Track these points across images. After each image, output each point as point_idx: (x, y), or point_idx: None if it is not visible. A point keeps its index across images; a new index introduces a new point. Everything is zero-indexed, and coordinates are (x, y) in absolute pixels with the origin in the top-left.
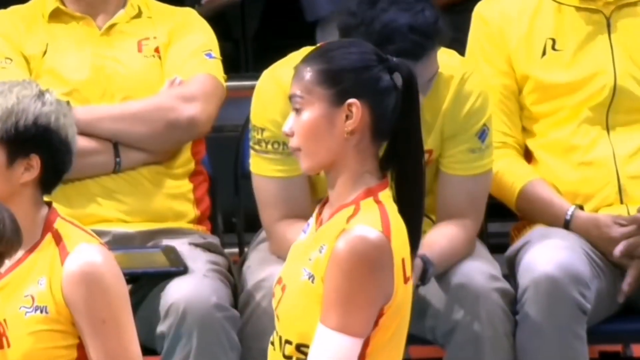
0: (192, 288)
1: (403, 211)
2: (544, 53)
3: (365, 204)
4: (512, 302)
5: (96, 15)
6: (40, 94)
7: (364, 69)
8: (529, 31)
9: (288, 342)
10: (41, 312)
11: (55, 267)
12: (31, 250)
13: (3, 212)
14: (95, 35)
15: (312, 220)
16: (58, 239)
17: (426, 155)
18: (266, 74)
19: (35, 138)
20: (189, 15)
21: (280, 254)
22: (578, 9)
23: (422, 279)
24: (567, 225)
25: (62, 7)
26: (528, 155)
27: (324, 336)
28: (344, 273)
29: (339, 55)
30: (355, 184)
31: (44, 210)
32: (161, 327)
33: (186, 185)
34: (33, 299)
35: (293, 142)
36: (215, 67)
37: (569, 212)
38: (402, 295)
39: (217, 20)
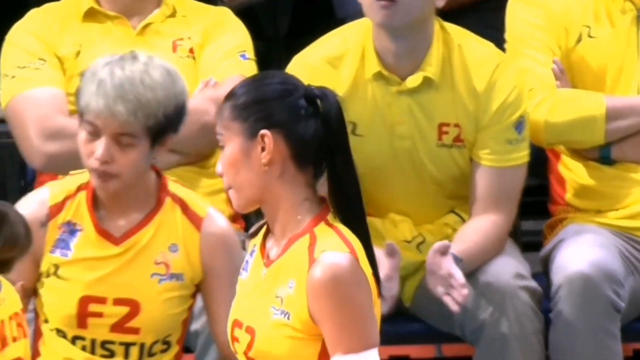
0: None
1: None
2: (579, 39)
3: (319, 230)
4: (541, 300)
5: (132, 15)
6: None
7: (275, 99)
8: (567, 17)
9: None
10: (177, 279)
11: (190, 234)
12: (151, 216)
13: (17, 218)
14: (130, 35)
15: (253, 253)
16: (182, 204)
17: (456, 130)
18: (295, 59)
19: None
20: (224, 15)
21: None
22: None
23: None
24: None
25: (96, 6)
26: (556, 153)
27: None
28: (338, 301)
29: (251, 88)
30: (298, 213)
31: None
32: (195, 326)
33: (220, 184)
34: (167, 266)
35: (224, 182)
36: (250, 68)
37: None
38: (377, 308)
39: (249, 19)
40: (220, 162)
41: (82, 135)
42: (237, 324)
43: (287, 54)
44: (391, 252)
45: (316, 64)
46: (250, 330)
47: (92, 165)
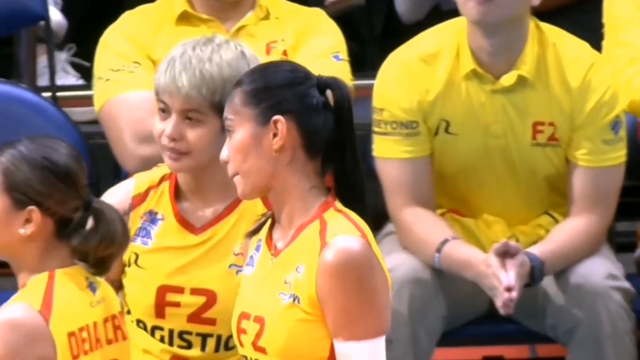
0: None
1: None
2: None
3: (328, 215)
4: (634, 300)
5: (225, 18)
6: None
7: (288, 85)
8: None
9: None
10: None
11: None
12: (232, 207)
13: (113, 215)
14: None
15: (259, 247)
16: (263, 197)
17: (550, 129)
18: (390, 56)
19: None
20: (318, 16)
21: (405, 244)
22: None
23: (532, 278)
24: None
25: (190, 10)
26: None
27: (361, 349)
28: (348, 285)
29: (264, 74)
30: (307, 201)
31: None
32: None
33: None
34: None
35: (230, 168)
36: (343, 70)
37: None
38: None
39: (344, 20)
40: (226, 148)
41: (157, 116)
42: (244, 316)
43: (382, 54)
44: (507, 252)
45: (411, 61)
46: (259, 320)
47: (162, 142)
